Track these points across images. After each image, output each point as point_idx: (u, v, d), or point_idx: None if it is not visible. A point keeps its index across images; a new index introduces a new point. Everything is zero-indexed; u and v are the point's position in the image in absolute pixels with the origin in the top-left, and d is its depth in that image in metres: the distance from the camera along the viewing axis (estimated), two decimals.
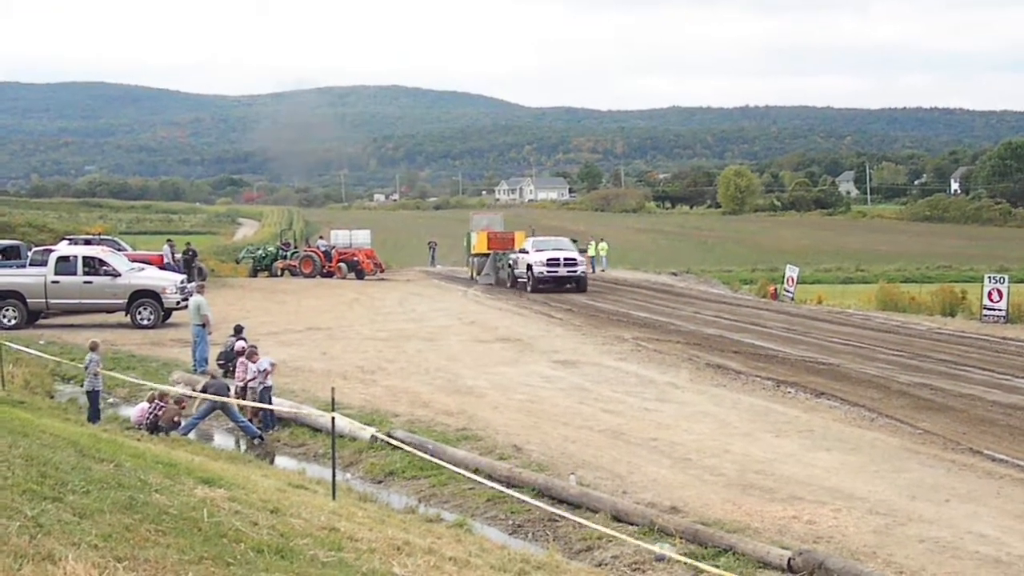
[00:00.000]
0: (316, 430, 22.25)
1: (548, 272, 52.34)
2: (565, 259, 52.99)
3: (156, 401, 22.83)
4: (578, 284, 52.96)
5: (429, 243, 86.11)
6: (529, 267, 53.12)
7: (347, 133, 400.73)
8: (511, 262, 56.46)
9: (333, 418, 16.64)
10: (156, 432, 21.96)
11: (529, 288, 52.51)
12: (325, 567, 9.94)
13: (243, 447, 22.54)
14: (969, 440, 19.18)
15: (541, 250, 54.18)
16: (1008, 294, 39.82)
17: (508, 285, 56.03)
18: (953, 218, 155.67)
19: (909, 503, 15.38)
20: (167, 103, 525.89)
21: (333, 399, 16.66)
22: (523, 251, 55.30)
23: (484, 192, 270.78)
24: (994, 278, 41.21)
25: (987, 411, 21.77)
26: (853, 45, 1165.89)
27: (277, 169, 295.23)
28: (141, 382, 25.27)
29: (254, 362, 23.73)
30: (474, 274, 61.73)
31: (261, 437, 22.58)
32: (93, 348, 23.98)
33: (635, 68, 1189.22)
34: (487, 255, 60.49)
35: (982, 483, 16.43)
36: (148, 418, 22.52)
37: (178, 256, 54.64)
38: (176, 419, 22.59)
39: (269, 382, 23.61)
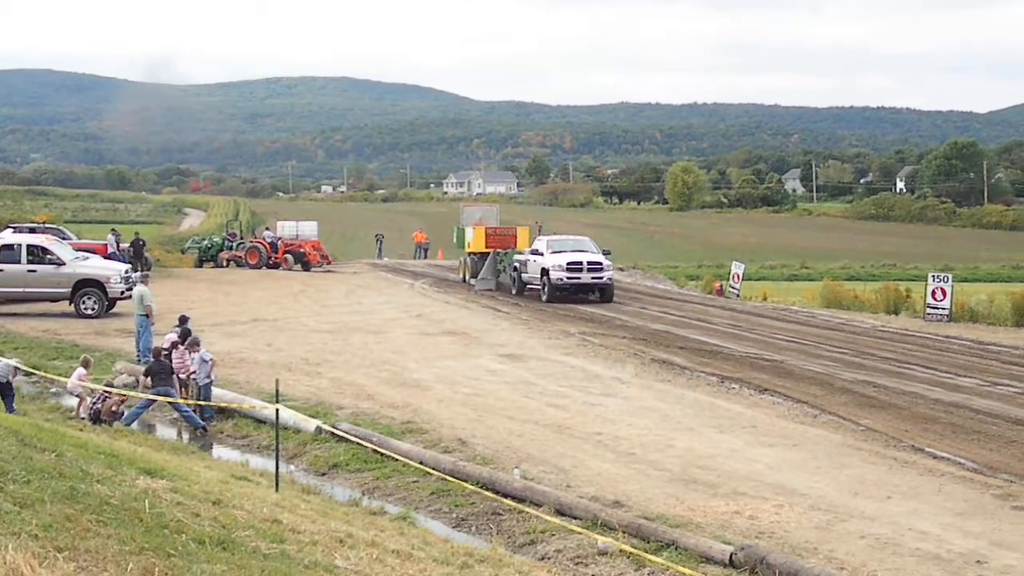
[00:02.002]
0: (260, 422, 22.15)
1: (568, 278, 44.54)
2: (589, 263, 44.80)
3: (101, 392, 22.74)
4: (603, 293, 45.29)
5: (376, 235, 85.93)
6: (545, 272, 45.00)
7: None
8: (517, 264, 48.58)
9: (277, 410, 16.60)
10: (98, 423, 21.86)
11: (544, 297, 44.98)
12: (267, 559, 9.90)
13: (186, 438, 22.42)
14: (911, 437, 19.32)
15: (559, 251, 45.89)
16: (951, 293, 40.10)
17: (513, 292, 48.53)
18: (898, 217, 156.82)
19: (851, 499, 15.48)
20: (114, 92, 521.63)
21: (277, 391, 16.61)
22: (535, 252, 46.96)
23: (432, 185, 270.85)
24: (938, 277, 41.47)
25: (929, 409, 21.93)
26: (802, 44, 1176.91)
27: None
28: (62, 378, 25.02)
29: (194, 352, 23.62)
30: (467, 276, 54.34)
31: (204, 428, 22.48)
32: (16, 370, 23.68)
33: (584, 63, 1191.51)
34: (485, 255, 52.48)
35: (923, 480, 16.55)
36: (90, 409, 22.43)
37: (123, 246, 54.29)
38: (115, 410, 22.47)
39: (212, 376, 23.52)
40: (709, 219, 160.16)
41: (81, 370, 23.22)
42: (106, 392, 22.68)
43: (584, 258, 45.15)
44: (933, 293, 40.23)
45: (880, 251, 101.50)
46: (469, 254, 54.03)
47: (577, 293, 45.04)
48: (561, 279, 44.45)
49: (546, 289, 45.00)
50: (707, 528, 14.05)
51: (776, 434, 19.91)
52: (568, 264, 44.56)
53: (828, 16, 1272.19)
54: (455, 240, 57.85)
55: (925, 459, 17.83)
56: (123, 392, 23.32)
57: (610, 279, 45.62)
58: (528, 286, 47.52)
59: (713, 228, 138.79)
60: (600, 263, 44.97)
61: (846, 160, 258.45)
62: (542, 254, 46.05)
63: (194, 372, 23.41)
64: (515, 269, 48.78)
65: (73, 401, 23.90)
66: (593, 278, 44.73)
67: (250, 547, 10.19)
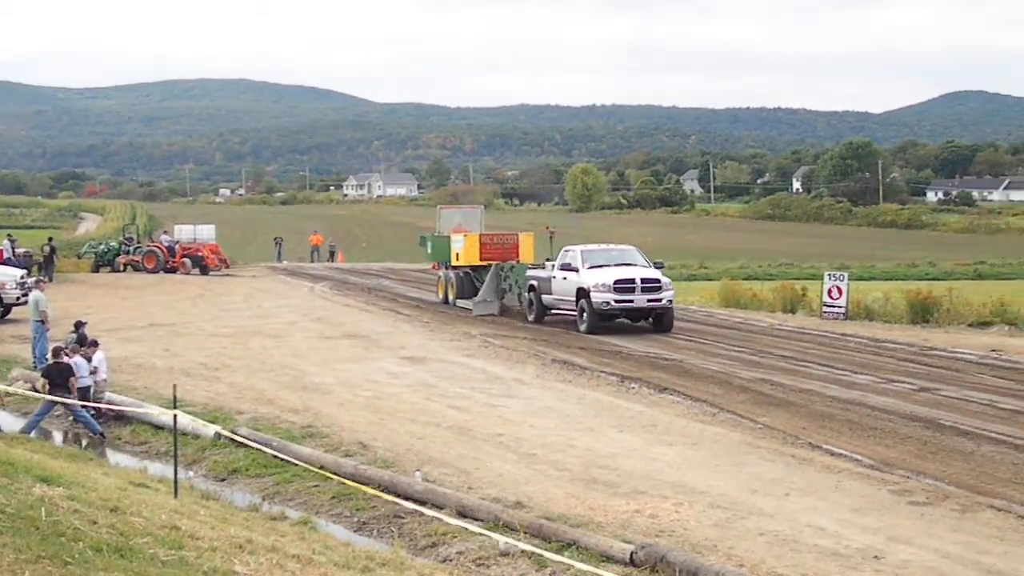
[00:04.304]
0: (158, 428, 21.95)
1: (617, 301, 34.28)
2: (643, 281, 34.60)
3: None
4: (660, 320, 35.09)
5: (275, 239, 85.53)
6: (584, 293, 34.80)
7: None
8: (535, 283, 38.09)
9: (175, 415, 16.44)
10: None
11: (583, 326, 34.67)
12: (165, 566, 9.82)
13: (84, 445, 22.15)
14: (808, 435, 19.50)
15: (599, 266, 35.57)
16: (847, 291, 40.43)
17: (530, 318, 38.25)
18: (795, 216, 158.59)
19: (749, 497, 15.60)
20: (8, 95, 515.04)
21: (175, 396, 16.45)
22: (566, 267, 36.07)
23: (332, 187, 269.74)
24: (834, 275, 41.85)
25: (826, 406, 22.14)
26: (699, 46, 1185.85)
27: None
28: None
29: (90, 356, 23.39)
30: (452, 296, 43.70)
31: (102, 434, 22.23)
32: None
33: (484, 65, 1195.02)
34: (477, 269, 42.69)
35: (821, 477, 16.71)
36: None
37: (19, 251, 53.54)
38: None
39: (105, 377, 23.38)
40: (608, 220, 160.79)
41: None
42: None
43: (636, 275, 34.94)
44: (829, 291, 40.58)
45: (777, 250, 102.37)
46: (452, 268, 44.01)
47: (625, 319, 35.77)
48: (607, 303, 34.32)
49: (585, 316, 34.86)
50: (608, 527, 14.10)
51: (676, 433, 20.03)
52: (616, 283, 34.43)
53: (721, 17, 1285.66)
54: (429, 250, 46.72)
55: (822, 456, 18.01)
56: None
57: (670, 301, 35.13)
58: (552, 311, 37.93)
59: (612, 229, 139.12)
60: (658, 281, 34.88)
61: (743, 161, 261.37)
62: (576, 269, 35.68)
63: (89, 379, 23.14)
64: (531, 289, 38.41)
65: None
66: (649, 300, 34.58)
67: (148, 554, 10.10)
